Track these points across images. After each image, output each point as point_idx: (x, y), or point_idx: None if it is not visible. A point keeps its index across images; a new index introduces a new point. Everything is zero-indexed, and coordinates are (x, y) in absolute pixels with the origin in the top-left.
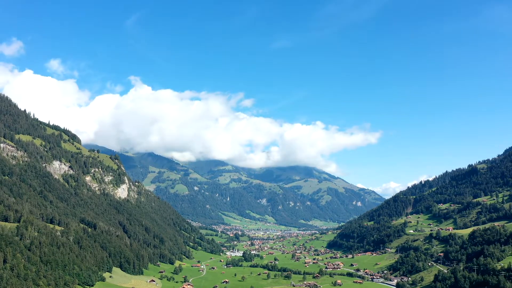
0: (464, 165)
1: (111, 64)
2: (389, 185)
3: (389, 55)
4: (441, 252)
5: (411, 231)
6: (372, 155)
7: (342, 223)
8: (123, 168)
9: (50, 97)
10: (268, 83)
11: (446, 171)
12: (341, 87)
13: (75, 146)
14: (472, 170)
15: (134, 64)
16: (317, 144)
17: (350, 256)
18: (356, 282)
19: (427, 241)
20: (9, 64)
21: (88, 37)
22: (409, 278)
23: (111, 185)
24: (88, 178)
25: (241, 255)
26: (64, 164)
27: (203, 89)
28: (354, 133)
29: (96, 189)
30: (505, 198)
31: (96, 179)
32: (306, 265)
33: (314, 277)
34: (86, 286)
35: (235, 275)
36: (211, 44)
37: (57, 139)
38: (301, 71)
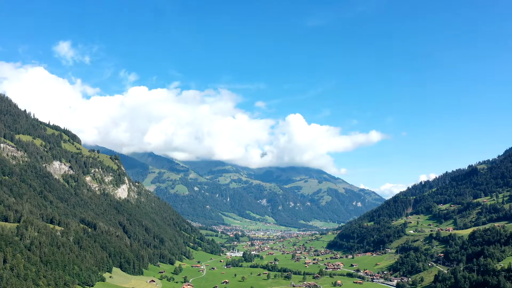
0: (464, 165)
1: (124, 51)
2: (389, 185)
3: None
4: (441, 253)
5: (411, 231)
6: (373, 156)
7: (342, 224)
8: (123, 169)
9: (51, 96)
10: (278, 77)
11: (446, 172)
12: (351, 84)
13: (75, 146)
14: (472, 171)
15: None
16: (317, 144)
17: (350, 256)
18: (356, 282)
19: (427, 241)
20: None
21: (103, 19)
22: (409, 279)
23: (111, 185)
24: (88, 178)
25: (241, 255)
26: (64, 164)
27: (209, 87)
28: (355, 134)
29: (96, 189)
30: (505, 198)
31: (96, 179)
32: (306, 265)
33: (314, 278)
34: (86, 286)
35: (235, 275)
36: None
37: (57, 139)
38: (320, 65)
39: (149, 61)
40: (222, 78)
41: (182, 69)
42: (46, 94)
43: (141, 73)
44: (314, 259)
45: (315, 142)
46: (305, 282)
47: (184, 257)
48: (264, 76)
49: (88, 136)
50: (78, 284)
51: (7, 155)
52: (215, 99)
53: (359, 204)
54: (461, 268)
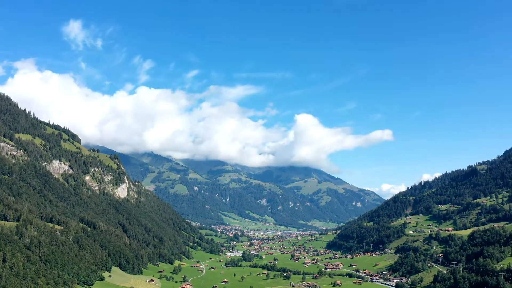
0: (464, 166)
1: (140, 33)
2: (389, 186)
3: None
4: (440, 253)
5: (411, 231)
6: (373, 156)
7: (342, 224)
8: (122, 168)
9: (53, 93)
10: (306, 65)
11: (446, 172)
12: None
13: (75, 145)
14: (472, 171)
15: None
16: (317, 144)
17: (349, 256)
18: (355, 282)
19: (427, 241)
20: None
21: None
22: (409, 279)
23: (111, 184)
24: (87, 178)
25: (241, 255)
26: (64, 164)
27: (229, 76)
28: (355, 134)
29: (96, 188)
30: (504, 199)
31: (95, 178)
32: (305, 265)
33: (313, 278)
34: (85, 286)
35: (234, 275)
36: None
37: (57, 139)
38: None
39: (167, 45)
40: (245, 65)
41: (202, 54)
42: (49, 90)
43: (157, 59)
44: (313, 259)
45: (315, 142)
46: (304, 282)
47: (183, 256)
48: (291, 64)
49: (88, 134)
50: (78, 283)
51: (7, 154)
52: (219, 99)
53: (358, 204)
54: (461, 269)
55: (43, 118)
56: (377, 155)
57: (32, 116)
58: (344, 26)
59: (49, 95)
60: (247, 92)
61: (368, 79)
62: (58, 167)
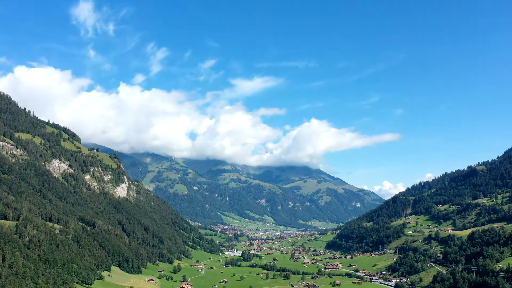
0: (463, 166)
1: (156, 17)
2: (388, 186)
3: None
4: (440, 253)
5: (410, 232)
6: (376, 155)
7: (341, 224)
8: (122, 167)
9: (52, 92)
10: (333, 53)
11: (446, 173)
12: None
13: (74, 145)
14: (471, 172)
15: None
16: (317, 144)
17: (349, 256)
18: (354, 282)
19: (426, 242)
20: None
21: None
22: (408, 279)
23: (111, 184)
24: (87, 177)
25: (240, 255)
26: (64, 163)
27: (250, 64)
28: (355, 134)
29: (96, 188)
30: (504, 199)
31: (95, 178)
32: (305, 265)
33: (313, 277)
34: (84, 285)
35: (234, 274)
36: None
37: (56, 138)
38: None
39: (184, 29)
40: (268, 52)
41: (222, 38)
42: (49, 88)
43: (172, 47)
44: (313, 259)
45: (315, 142)
46: (304, 282)
47: (183, 256)
48: (317, 51)
49: (87, 133)
50: (77, 283)
51: (7, 153)
52: (235, 92)
53: (358, 204)
54: (460, 269)
55: (43, 116)
56: (381, 155)
57: (32, 115)
58: (380, 11)
59: (49, 92)
60: (265, 85)
61: (397, 70)
62: (57, 166)
